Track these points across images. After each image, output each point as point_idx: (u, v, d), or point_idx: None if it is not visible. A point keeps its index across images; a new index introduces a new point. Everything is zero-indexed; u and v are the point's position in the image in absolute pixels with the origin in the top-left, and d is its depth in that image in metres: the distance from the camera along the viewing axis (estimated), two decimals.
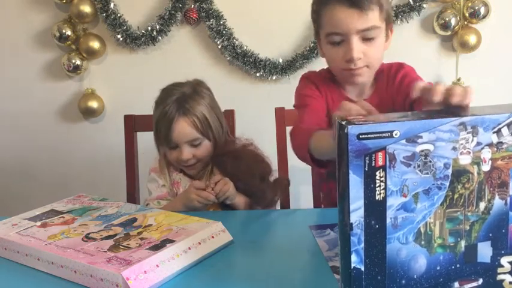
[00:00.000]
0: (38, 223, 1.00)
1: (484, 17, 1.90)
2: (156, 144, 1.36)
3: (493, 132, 0.65)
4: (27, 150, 2.20)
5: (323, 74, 1.26)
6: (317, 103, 1.19)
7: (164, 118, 1.27)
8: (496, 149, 0.66)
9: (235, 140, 1.38)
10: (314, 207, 1.46)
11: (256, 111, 1.94)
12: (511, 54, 2.00)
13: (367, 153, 0.61)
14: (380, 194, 0.63)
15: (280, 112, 1.47)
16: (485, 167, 0.66)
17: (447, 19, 1.90)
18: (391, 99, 1.18)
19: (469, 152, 0.65)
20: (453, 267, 0.68)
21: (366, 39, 1.09)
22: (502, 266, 0.69)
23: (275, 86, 2.03)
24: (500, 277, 0.70)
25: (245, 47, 1.99)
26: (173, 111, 1.26)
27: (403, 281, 0.66)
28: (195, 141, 1.28)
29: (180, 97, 1.29)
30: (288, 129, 1.46)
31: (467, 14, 1.90)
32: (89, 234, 0.93)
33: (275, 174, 1.33)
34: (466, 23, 1.93)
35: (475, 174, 0.66)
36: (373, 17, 1.07)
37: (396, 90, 1.17)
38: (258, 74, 2.00)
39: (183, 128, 1.26)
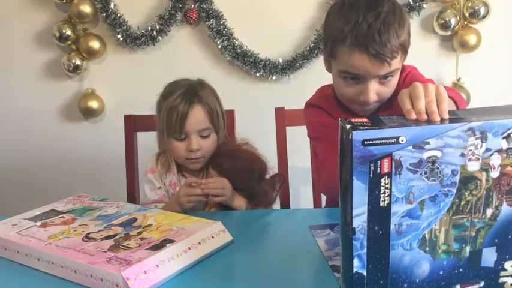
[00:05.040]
0: (38, 223, 1.00)
1: (484, 17, 1.89)
2: (159, 140, 1.35)
3: (503, 138, 0.63)
4: (27, 150, 2.20)
5: (327, 95, 1.20)
6: (333, 132, 1.13)
7: (178, 107, 1.24)
8: (505, 155, 0.64)
9: (231, 140, 1.36)
10: (314, 207, 1.46)
11: (256, 111, 1.94)
12: (511, 54, 1.99)
13: (372, 159, 0.60)
14: (384, 200, 0.62)
15: (280, 112, 1.47)
16: (494, 174, 0.65)
17: (447, 19, 1.90)
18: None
19: (478, 159, 0.63)
20: (456, 271, 0.67)
21: (384, 78, 1.04)
22: (505, 270, 0.68)
23: (275, 86, 2.03)
24: (502, 280, 0.69)
25: (245, 47, 1.98)
26: (187, 100, 1.25)
27: (405, 285, 0.66)
28: (205, 131, 1.27)
29: (190, 88, 1.29)
30: (288, 129, 1.47)
31: (467, 14, 1.90)
32: (89, 234, 0.93)
33: (272, 172, 1.32)
34: (466, 23, 1.93)
35: (483, 180, 0.64)
36: (396, 62, 1.01)
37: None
38: (258, 74, 2.00)
39: (199, 115, 1.26)
